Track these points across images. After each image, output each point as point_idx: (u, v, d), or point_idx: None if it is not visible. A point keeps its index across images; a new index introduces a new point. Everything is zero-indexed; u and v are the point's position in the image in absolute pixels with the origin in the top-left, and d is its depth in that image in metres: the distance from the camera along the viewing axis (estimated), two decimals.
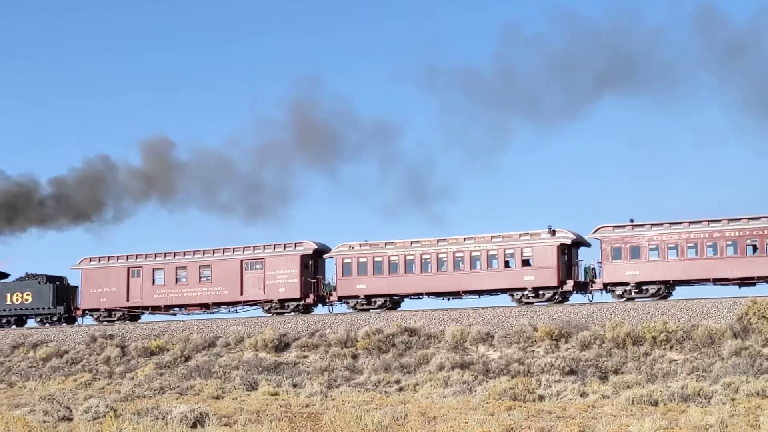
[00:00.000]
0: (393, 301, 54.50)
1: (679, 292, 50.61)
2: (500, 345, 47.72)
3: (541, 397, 38.55)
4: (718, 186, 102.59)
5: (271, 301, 56.41)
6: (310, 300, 55.99)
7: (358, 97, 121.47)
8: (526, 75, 76.05)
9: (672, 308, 47.36)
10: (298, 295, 55.80)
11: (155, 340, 54.49)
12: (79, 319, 61.34)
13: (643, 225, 50.14)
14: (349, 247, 54.92)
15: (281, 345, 51.76)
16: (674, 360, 43.96)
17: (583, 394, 38.67)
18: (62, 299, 61.60)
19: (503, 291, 52.54)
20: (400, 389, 43.42)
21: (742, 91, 72.63)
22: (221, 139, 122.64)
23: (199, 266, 58.13)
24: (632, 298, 49.94)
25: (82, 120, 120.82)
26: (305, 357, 50.45)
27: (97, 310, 60.19)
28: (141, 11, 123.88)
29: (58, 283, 62.01)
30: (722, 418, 29.09)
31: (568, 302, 51.37)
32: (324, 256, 56.12)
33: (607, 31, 71.40)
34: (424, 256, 53.38)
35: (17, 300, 61.88)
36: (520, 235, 52.03)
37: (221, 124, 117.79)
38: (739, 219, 48.61)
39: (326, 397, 40.91)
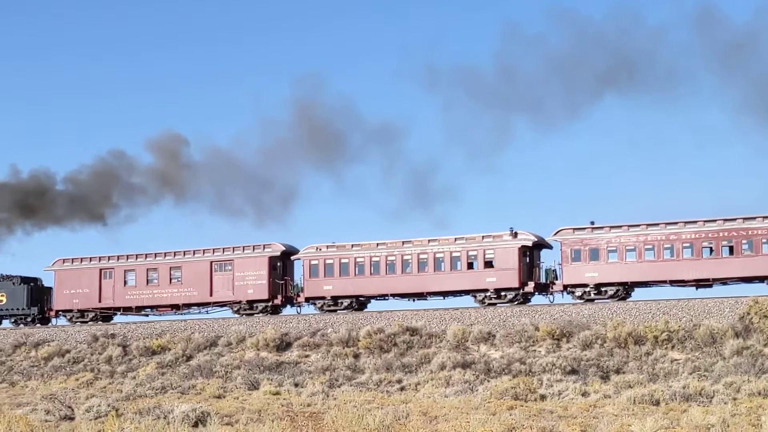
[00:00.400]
0: (359, 302, 55.13)
1: (641, 293, 51.50)
2: (502, 344, 47.73)
3: (543, 397, 38.56)
4: (717, 186, 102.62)
5: (239, 302, 57.09)
6: (278, 301, 56.69)
7: (359, 96, 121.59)
8: (527, 75, 76.05)
9: (673, 308, 47.37)
10: (266, 296, 56.53)
11: (157, 339, 54.53)
12: (53, 320, 62.07)
13: (602, 227, 50.91)
14: (317, 248, 55.61)
15: (283, 344, 51.79)
16: (676, 359, 43.95)
17: (584, 394, 38.67)
18: (36, 300, 62.26)
19: (466, 292, 53.23)
20: (402, 389, 43.42)
21: (742, 90, 72.66)
22: (223, 139, 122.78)
23: (170, 267, 58.84)
24: (591, 300, 50.64)
25: (81, 119, 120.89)
26: (307, 356, 50.47)
27: (70, 311, 60.94)
28: (141, 11, 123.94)
29: (32, 284, 62.74)
30: (724, 418, 29.09)
31: (569, 302, 51.42)
32: (292, 257, 56.77)
33: (608, 30, 71.42)
34: (390, 258, 54.04)
35: None
36: (483, 237, 52.78)
37: (222, 124, 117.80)
38: (696, 222, 49.49)
39: (328, 396, 40.92)
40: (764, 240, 48.13)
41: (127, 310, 59.93)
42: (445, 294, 53.73)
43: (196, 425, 30.67)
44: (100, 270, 60.17)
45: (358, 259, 54.52)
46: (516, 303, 51.69)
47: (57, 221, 70.03)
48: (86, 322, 60.11)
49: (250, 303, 56.89)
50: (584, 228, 51.02)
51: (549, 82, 73.26)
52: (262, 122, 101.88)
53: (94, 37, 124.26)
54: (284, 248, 56.82)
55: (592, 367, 43.63)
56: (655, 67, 69.17)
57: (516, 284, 51.68)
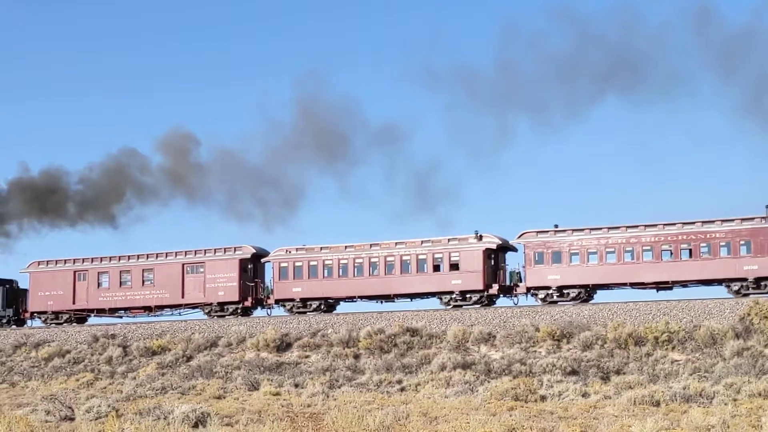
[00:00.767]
0: (328, 304, 55.68)
1: (606, 295, 52.01)
2: (502, 345, 47.74)
3: (543, 398, 38.54)
4: (717, 186, 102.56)
5: (210, 304, 57.56)
6: (248, 303, 57.22)
7: (360, 96, 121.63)
8: (527, 75, 75.99)
9: (674, 308, 47.38)
10: (236, 299, 57.13)
11: (157, 339, 54.59)
12: (28, 322, 62.43)
13: (564, 230, 51.57)
14: (286, 251, 56.19)
15: (283, 345, 51.81)
16: (676, 360, 43.94)
17: (584, 395, 38.65)
18: (12, 302, 62.65)
19: (432, 294, 53.75)
20: (402, 389, 43.41)
21: (742, 91, 72.66)
22: (227, 139, 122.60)
23: (143, 270, 59.38)
24: (555, 302, 51.11)
25: (79, 117, 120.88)
26: (307, 357, 50.48)
27: (45, 312, 61.40)
28: (141, 10, 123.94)
29: (8, 286, 63.07)
30: (724, 419, 29.09)
31: (568, 303, 51.49)
32: (263, 260, 57.30)
33: (608, 30, 71.40)
34: (357, 261, 54.59)
35: None
36: (449, 239, 53.49)
37: (225, 123, 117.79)
38: (656, 225, 50.13)
39: (328, 397, 40.91)
40: (722, 243, 48.98)
41: (100, 311, 60.53)
42: (411, 296, 54.35)
43: (196, 426, 30.67)
44: (75, 272, 60.79)
45: (326, 262, 55.19)
46: (481, 305, 52.27)
47: (69, 220, 70.17)
48: (61, 323, 60.66)
49: (221, 305, 57.52)
50: (547, 231, 51.87)
51: (548, 81, 73.25)
52: (265, 122, 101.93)
53: (93, 36, 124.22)
54: (255, 251, 57.55)
55: (592, 368, 43.63)
56: (654, 67, 69.21)
57: (480, 286, 52.41)
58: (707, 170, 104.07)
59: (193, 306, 58.37)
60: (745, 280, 48.50)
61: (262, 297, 56.99)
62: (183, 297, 58.20)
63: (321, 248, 55.47)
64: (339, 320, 52.88)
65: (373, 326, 50.72)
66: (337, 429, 28.19)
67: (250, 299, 57.11)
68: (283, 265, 55.88)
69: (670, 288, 50.37)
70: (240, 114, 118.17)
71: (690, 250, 49.48)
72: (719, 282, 49.46)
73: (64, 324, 60.40)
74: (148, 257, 59.34)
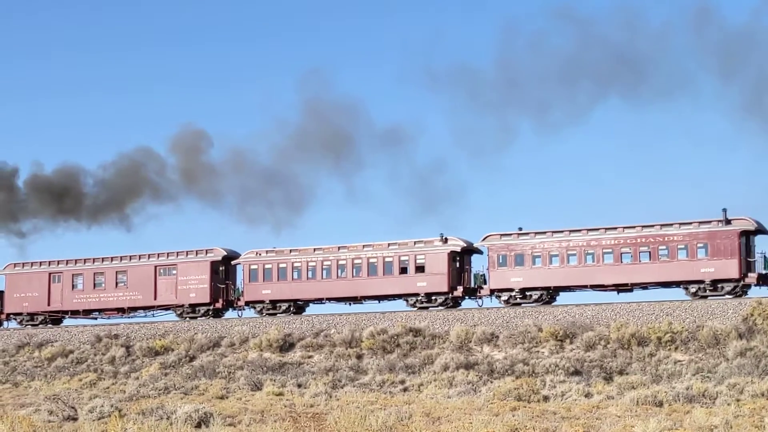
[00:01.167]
0: (297, 306, 55.98)
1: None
2: (505, 345, 47.74)
3: (546, 398, 38.55)
4: (718, 187, 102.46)
5: (182, 305, 57.84)
6: (219, 305, 57.51)
7: (362, 97, 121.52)
8: (528, 75, 75.87)
9: (677, 309, 47.36)
10: (207, 300, 57.44)
11: (160, 340, 54.64)
12: (4, 323, 62.53)
13: (527, 233, 51.90)
14: (256, 253, 56.57)
15: (286, 345, 51.83)
16: (679, 361, 43.92)
17: (587, 395, 38.66)
18: None
19: (398, 296, 54.18)
20: (405, 389, 43.44)
21: (742, 92, 72.52)
22: (236, 139, 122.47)
23: (116, 272, 59.70)
24: (518, 304, 51.39)
25: (82, 116, 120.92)
26: (310, 357, 50.49)
27: (20, 314, 61.64)
28: (142, 10, 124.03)
29: None
30: (727, 419, 29.10)
31: (564, 304, 51.56)
32: (233, 262, 57.73)
33: (609, 31, 71.28)
34: (326, 263, 54.95)
35: None
36: (414, 242, 53.97)
37: (231, 123, 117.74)
38: (615, 228, 50.47)
39: (331, 397, 40.94)
40: (680, 246, 49.22)
41: (75, 313, 60.80)
42: (379, 298, 54.74)
43: (198, 426, 30.71)
44: (50, 274, 61.08)
45: (295, 264, 55.52)
46: (446, 307, 52.60)
47: (81, 218, 70.20)
48: (36, 325, 60.90)
49: (193, 306, 57.76)
50: (510, 234, 52.15)
51: (550, 83, 73.15)
52: (272, 122, 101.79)
53: (92, 36, 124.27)
54: (226, 253, 57.91)
55: (595, 368, 43.62)
56: (655, 68, 69.13)
57: (445, 288, 52.75)
58: (708, 171, 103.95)
59: (165, 307, 58.76)
60: (702, 282, 48.72)
61: (233, 299, 57.37)
62: (155, 299, 58.53)
63: (290, 251, 55.99)
64: (342, 320, 52.89)
65: (375, 326, 50.73)
66: (339, 429, 28.20)
67: (221, 301, 57.48)
68: (253, 267, 56.25)
69: (630, 290, 50.74)
70: (245, 115, 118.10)
71: (649, 252, 49.80)
72: (677, 284, 49.77)
73: (39, 325, 60.68)
74: (121, 259, 59.76)
